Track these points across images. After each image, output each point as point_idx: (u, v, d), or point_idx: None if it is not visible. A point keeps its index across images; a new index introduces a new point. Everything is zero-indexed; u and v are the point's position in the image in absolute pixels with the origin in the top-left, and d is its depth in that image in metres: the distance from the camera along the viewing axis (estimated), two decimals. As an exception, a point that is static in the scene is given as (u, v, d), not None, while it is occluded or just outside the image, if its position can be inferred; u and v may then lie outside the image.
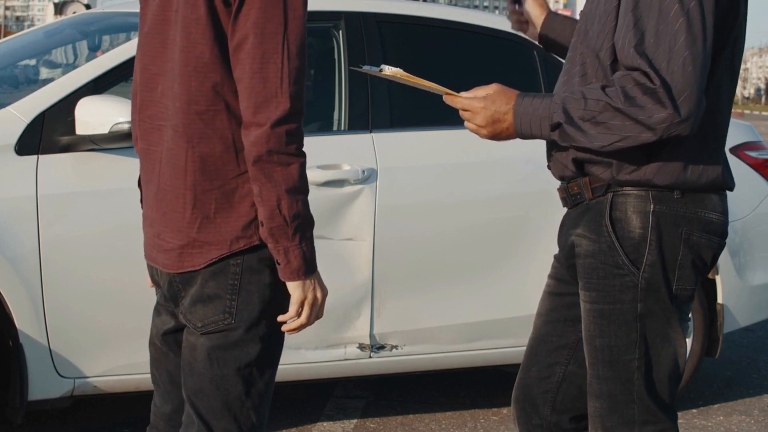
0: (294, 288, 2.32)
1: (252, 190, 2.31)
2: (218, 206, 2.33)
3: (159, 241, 2.42)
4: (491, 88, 2.49)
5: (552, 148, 2.57)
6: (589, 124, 2.35)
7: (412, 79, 2.52)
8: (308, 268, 2.31)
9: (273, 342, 2.40)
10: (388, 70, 2.52)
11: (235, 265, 2.34)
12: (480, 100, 2.48)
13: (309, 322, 2.36)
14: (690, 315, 4.73)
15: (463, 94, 2.51)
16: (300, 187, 2.27)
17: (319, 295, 2.35)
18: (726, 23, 2.41)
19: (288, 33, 2.24)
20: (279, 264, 2.30)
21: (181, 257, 2.37)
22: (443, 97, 2.54)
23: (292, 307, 2.34)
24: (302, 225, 2.28)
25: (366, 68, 2.62)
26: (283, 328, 2.38)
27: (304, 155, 2.28)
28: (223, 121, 2.31)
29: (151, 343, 2.56)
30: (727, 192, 2.55)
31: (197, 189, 2.33)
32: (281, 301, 2.37)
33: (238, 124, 2.30)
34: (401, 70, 2.52)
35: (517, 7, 2.94)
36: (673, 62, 2.29)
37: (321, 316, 2.39)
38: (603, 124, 2.34)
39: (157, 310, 2.54)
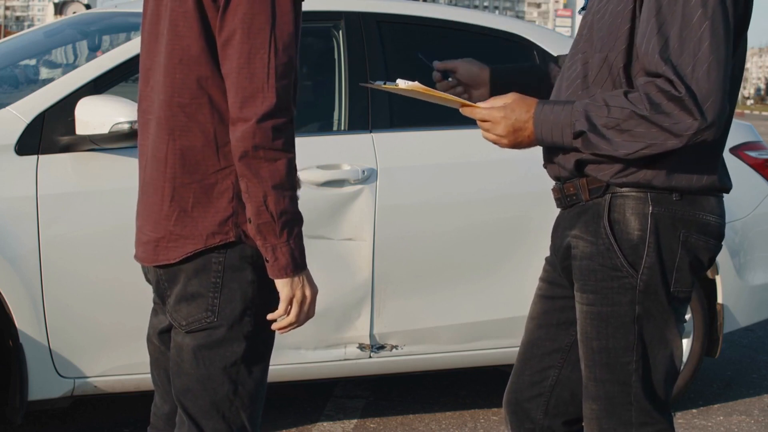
0: (282, 286, 2.30)
1: (231, 187, 2.31)
2: (196, 200, 2.33)
3: (140, 234, 2.43)
4: (509, 98, 2.46)
5: (549, 148, 2.55)
6: (614, 131, 2.33)
7: (429, 92, 2.49)
8: (296, 266, 2.29)
9: (259, 340, 2.38)
10: (404, 84, 2.49)
11: (217, 263, 2.33)
12: (499, 110, 2.45)
13: (298, 320, 2.34)
14: (688, 316, 4.78)
15: (481, 104, 2.48)
16: (287, 184, 2.25)
17: (308, 293, 2.32)
18: (739, 29, 2.40)
19: (276, 28, 2.24)
20: (267, 261, 2.29)
21: (156, 250, 2.37)
22: (461, 108, 2.50)
23: (281, 306, 2.32)
24: (290, 222, 2.27)
25: (378, 84, 2.59)
26: (273, 326, 2.36)
27: (292, 151, 2.27)
28: (206, 115, 2.31)
29: (149, 341, 2.56)
30: (727, 192, 2.54)
31: (176, 182, 2.33)
32: (266, 299, 2.35)
33: (221, 120, 2.30)
34: (418, 83, 2.49)
35: (449, 80, 2.80)
36: (698, 68, 2.28)
37: (312, 316, 2.36)
38: (628, 131, 2.32)
39: (154, 310, 2.54)
